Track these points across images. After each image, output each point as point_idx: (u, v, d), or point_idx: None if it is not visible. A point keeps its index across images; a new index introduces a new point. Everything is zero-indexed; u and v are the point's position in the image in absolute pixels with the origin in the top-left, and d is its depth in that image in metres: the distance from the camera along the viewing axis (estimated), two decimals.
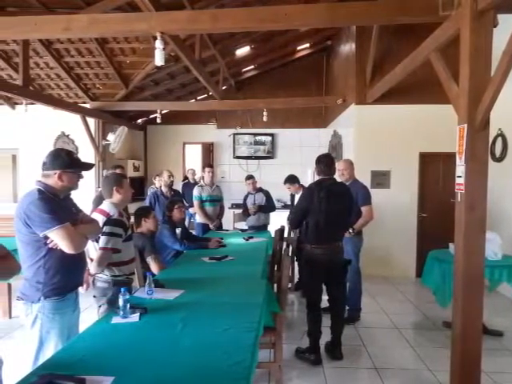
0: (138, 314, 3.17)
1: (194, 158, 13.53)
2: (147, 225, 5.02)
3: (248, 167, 13.03)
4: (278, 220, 8.27)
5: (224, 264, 5.20)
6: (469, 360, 3.84)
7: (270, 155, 13.06)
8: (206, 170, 8.15)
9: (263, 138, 13.05)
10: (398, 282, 8.05)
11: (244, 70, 12.21)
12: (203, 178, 8.24)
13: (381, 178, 8.40)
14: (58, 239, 3.00)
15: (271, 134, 13.02)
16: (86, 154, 9.78)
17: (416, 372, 4.60)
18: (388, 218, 8.12)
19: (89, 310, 4.69)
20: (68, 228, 3.02)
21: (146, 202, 8.15)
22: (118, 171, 6.71)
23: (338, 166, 5.77)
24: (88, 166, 3.40)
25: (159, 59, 4.82)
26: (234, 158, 13.14)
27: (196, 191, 8.00)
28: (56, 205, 3.08)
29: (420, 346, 5.26)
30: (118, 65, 8.81)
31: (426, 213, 8.47)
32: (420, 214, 8.50)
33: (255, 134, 13.04)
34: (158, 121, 10.87)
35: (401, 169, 8.41)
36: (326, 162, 4.82)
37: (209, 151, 13.45)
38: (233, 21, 4.62)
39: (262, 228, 8.02)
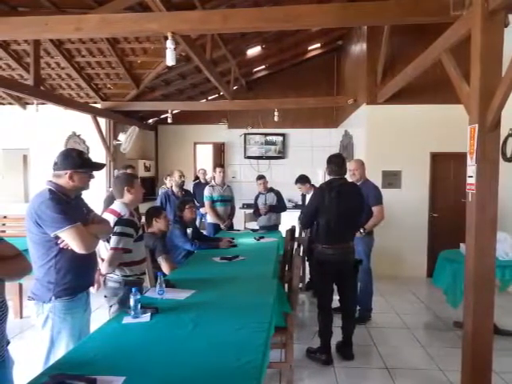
0: (148, 314, 3.17)
1: (204, 157, 13.54)
2: (158, 225, 5.03)
3: (259, 167, 13.00)
4: (289, 220, 8.27)
5: (235, 264, 5.20)
6: (480, 360, 3.82)
7: (281, 155, 13.03)
8: (217, 169, 8.16)
9: (274, 138, 13.02)
10: (409, 281, 8.02)
11: (255, 69, 12.18)
12: (214, 178, 8.25)
13: (392, 178, 8.38)
14: (69, 239, 3.01)
15: (282, 134, 12.98)
16: (97, 153, 9.78)
17: (427, 372, 4.59)
18: (399, 218, 8.09)
19: (100, 310, 4.72)
20: (79, 228, 3.03)
21: (157, 202, 8.17)
22: (128, 171, 6.75)
23: (349, 166, 5.75)
24: (99, 166, 3.40)
25: (170, 59, 4.83)
26: (245, 158, 13.11)
27: (207, 191, 8.01)
28: (67, 205, 3.09)
29: (431, 346, 5.24)
30: (128, 65, 8.83)
31: (437, 213, 8.44)
32: (431, 214, 8.47)
33: (266, 134, 13.01)
34: (169, 121, 10.91)
35: (412, 169, 8.38)
36: (337, 162, 4.81)
37: (220, 151, 13.45)
38: (244, 21, 4.61)
39: (273, 228, 8.01)
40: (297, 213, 8.24)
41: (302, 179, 7.36)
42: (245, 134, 13.04)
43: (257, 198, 8.19)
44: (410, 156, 8.33)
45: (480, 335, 3.81)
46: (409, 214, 8.33)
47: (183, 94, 11.62)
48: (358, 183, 5.71)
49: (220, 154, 13.42)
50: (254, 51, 10.51)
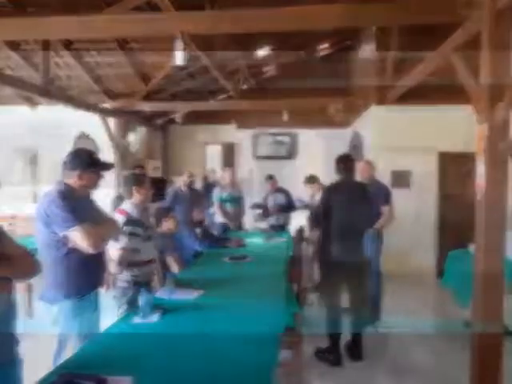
0: (157, 314, 3.17)
1: (214, 158, 13.55)
2: (167, 224, 5.04)
3: (268, 167, 12.96)
4: (298, 220, 8.26)
5: (244, 264, 5.20)
6: (489, 361, 3.80)
7: (290, 155, 13.02)
8: (227, 170, 8.17)
9: (283, 138, 13.02)
10: (418, 281, 7.99)
11: (264, 69, 12.18)
12: (223, 178, 8.27)
13: (401, 178, 8.36)
14: (78, 239, 3.01)
15: (291, 134, 12.98)
16: (106, 153, 9.78)
17: (436, 372, 4.59)
18: (408, 218, 8.06)
19: (109, 310, 4.73)
20: (88, 228, 3.04)
21: (166, 202, 8.19)
22: (137, 171, 6.76)
23: (358, 166, 5.74)
24: (108, 166, 3.42)
25: (179, 59, 4.85)
26: (255, 158, 13.12)
27: (216, 191, 8.01)
28: (76, 204, 3.10)
29: (440, 347, 5.23)
30: (138, 65, 8.86)
31: (446, 213, 8.41)
32: (440, 214, 8.45)
33: (275, 134, 13.00)
34: (178, 121, 10.91)
35: (421, 169, 8.37)
36: (345, 163, 4.82)
37: (229, 151, 13.47)
38: (253, 21, 4.62)
39: (281, 228, 8.00)
40: (306, 213, 8.24)
41: (311, 179, 7.35)
42: (254, 134, 13.02)
43: (266, 198, 8.19)
44: (419, 156, 8.30)
45: (489, 336, 3.79)
46: (418, 213, 8.30)
47: (192, 93, 11.62)
48: (367, 183, 5.70)
49: (229, 154, 13.43)
50: (262, 51, 10.48)
